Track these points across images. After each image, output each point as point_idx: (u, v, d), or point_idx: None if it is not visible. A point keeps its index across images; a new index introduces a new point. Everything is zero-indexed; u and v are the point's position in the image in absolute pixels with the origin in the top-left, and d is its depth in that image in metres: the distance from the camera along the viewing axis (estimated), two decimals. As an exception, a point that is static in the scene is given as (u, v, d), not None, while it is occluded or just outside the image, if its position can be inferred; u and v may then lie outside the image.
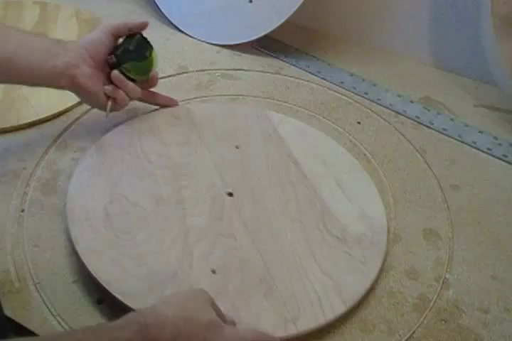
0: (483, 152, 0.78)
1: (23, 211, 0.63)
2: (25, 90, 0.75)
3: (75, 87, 0.65)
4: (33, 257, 0.58)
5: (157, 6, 0.97)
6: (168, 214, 0.62)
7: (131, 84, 0.68)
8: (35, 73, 0.63)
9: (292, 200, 0.65)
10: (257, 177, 0.68)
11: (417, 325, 0.57)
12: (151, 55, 0.70)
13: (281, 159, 0.70)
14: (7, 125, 0.72)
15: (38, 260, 0.58)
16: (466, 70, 0.91)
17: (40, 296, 0.55)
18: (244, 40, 0.91)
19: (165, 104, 0.76)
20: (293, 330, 0.53)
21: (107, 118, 0.69)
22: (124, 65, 0.68)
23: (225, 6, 0.90)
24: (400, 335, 0.56)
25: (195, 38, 0.93)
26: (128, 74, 0.68)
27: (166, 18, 0.96)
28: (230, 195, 0.65)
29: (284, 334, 0.52)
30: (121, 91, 0.68)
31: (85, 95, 0.67)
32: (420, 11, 0.91)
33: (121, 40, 0.69)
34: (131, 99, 0.70)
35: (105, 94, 0.67)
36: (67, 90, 0.66)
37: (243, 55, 0.91)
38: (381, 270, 0.60)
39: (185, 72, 0.86)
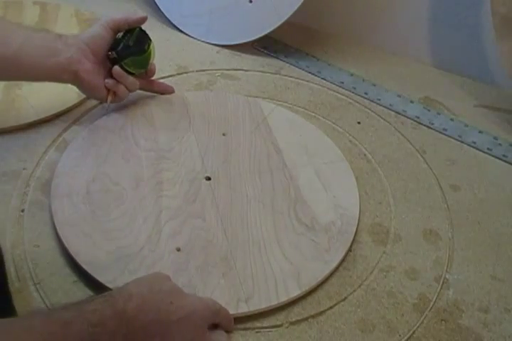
0: (483, 152, 0.78)
1: (23, 211, 0.63)
2: (25, 90, 0.76)
3: (77, 81, 0.68)
4: (33, 257, 0.58)
5: (157, 6, 0.97)
6: (146, 194, 0.64)
7: (131, 78, 0.71)
8: (39, 69, 0.65)
9: (268, 187, 0.67)
10: (237, 163, 0.70)
11: (417, 325, 0.57)
12: (149, 47, 0.73)
13: (264, 147, 0.72)
14: (7, 125, 0.72)
15: (38, 260, 0.58)
16: (466, 70, 0.91)
17: (40, 296, 0.55)
18: (244, 40, 0.91)
19: (162, 91, 0.78)
20: (244, 309, 0.55)
21: (106, 111, 0.73)
22: (125, 61, 0.70)
23: (225, 6, 0.90)
24: (399, 335, 0.56)
25: (195, 38, 0.93)
26: (128, 69, 0.70)
27: (166, 18, 0.96)
28: (208, 179, 0.67)
29: (234, 312, 0.54)
30: (121, 85, 0.70)
31: (87, 89, 0.70)
32: (420, 11, 0.91)
33: (120, 34, 0.71)
34: (131, 91, 0.72)
35: (106, 87, 0.70)
36: (68, 83, 0.68)
37: (243, 55, 0.91)
38: (344, 259, 0.61)
39: (185, 72, 0.86)
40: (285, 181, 0.68)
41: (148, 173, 0.66)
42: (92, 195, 0.63)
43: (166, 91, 0.78)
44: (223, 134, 0.74)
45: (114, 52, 0.69)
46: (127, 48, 0.70)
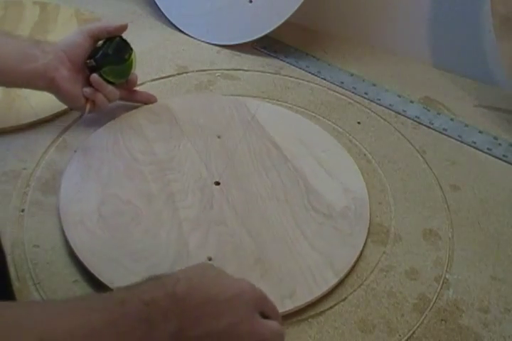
0: (483, 152, 0.78)
1: (23, 211, 0.63)
2: (25, 90, 0.75)
3: (53, 88, 0.66)
4: (33, 257, 0.58)
5: (157, 6, 0.97)
6: (160, 208, 0.63)
7: (110, 87, 0.69)
8: (14, 75, 0.64)
9: (277, 182, 0.68)
10: (241, 164, 0.70)
11: (417, 325, 0.57)
12: (130, 57, 0.70)
13: (262, 144, 0.73)
14: (7, 125, 0.72)
15: (38, 260, 0.58)
16: (466, 70, 0.91)
17: (40, 296, 0.55)
18: (244, 40, 0.91)
19: (145, 101, 0.77)
20: (290, 305, 0.56)
21: (86, 117, 0.71)
22: (103, 69, 0.68)
23: (225, 6, 0.90)
24: (399, 335, 0.56)
25: (195, 38, 0.93)
26: (107, 77, 0.69)
27: (166, 18, 0.96)
28: (217, 184, 0.67)
29: (282, 310, 0.54)
30: (100, 94, 0.69)
31: (64, 97, 0.68)
32: (420, 11, 0.91)
33: (100, 42, 0.69)
34: (110, 101, 0.71)
35: (84, 96, 0.68)
36: (45, 91, 0.67)
37: (243, 55, 0.91)
38: (367, 240, 0.63)
39: (185, 72, 0.86)
40: (291, 174, 0.69)
41: (157, 187, 0.65)
42: (106, 218, 0.61)
43: (148, 100, 0.77)
44: (218, 137, 0.73)
45: (92, 60, 0.68)
46: (106, 56, 0.68)
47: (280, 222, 0.63)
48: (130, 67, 0.71)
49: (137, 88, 0.76)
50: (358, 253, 0.61)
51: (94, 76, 0.68)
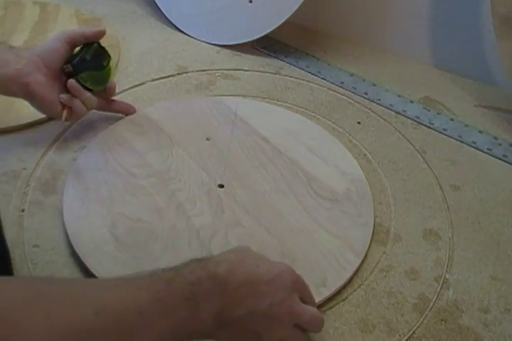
0: (483, 152, 0.78)
1: (23, 211, 0.63)
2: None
3: (28, 95, 0.65)
4: (33, 257, 0.58)
5: (157, 6, 0.97)
6: (173, 220, 0.62)
7: (87, 93, 0.67)
8: None
9: (277, 176, 0.69)
10: (238, 163, 0.70)
11: (417, 325, 0.57)
12: (108, 64, 0.69)
13: (252, 140, 0.73)
14: (7, 125, 0.72)
15: (38, 260, 0.58)
16: (466, 70, 0.91)
17: (40, 296, 0.55)
18: (244, 40, 0.91)
19: (123, 110, 0.75)
20: (326, 292, 0.57)
21: (64, 123, 0.70)
22: (81, 75, 0.66)
23: (225, 6, 0.90)
24: (399, 335, 0.56)
25: (195, 38, 0.93)
26: (85, 83, 0.67)
27: (166, 18, 0.96)
28: (221, 186, 0.67)
29: (320, 298, 0.56)
30: (77, 101, 0.67)
31: (39, 104, 0.66)
32: (420, 11, 0.91)
33: (77, 48, 0.68)
34: (88, 109, 0.69)
35: (61, 103, 0.66)
36: (20, 98, 0.65)
37: (243, 55, 0.91)
38: (375, 220, 0.66)
39: (185, 72, 0.86)
40: (288, 166, 0.70)
41: (163, 199, 0.64)
42: (121, 240, 0.59)
43: (127, 110, 0.74)
44: (207, 139, 0.73)
45: (69, 66, 0.66)
46: (84, 62, 0.66)
47: (292, 213, 0.64)
48: (108, 74, 0.69)
49: (137, 88, 0.76)
50: (370, 231, 0.64)
51: (72, 81, 0.66)
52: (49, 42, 0.66)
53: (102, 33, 0.68)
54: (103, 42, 0.70)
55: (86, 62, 0.67)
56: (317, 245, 0.61)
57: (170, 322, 0.43)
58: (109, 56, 0.70)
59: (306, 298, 0.51)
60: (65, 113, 0.67)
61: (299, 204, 0.65)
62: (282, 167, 0.70)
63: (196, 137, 0.73)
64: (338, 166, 0.70)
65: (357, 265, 0.60)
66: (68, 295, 0.40)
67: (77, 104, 0.67)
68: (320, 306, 0.56)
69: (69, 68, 0.66)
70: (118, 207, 0.63)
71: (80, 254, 0.58)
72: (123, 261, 0.58)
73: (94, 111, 0.72)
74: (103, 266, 0.57)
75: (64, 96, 0.66)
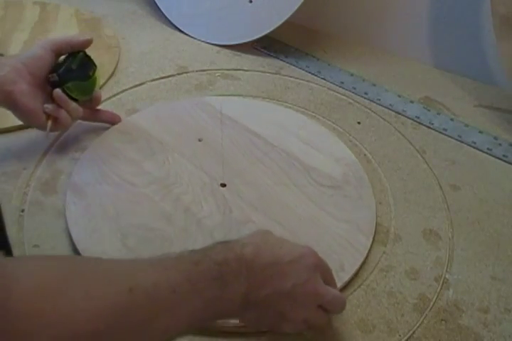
0: (483, 152, 0.78)
1: (23, 211, 0.63)
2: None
3: (10, 103, 0.63)
4: (33, 257, 0.58)
5: (157, 6, 0.97)
6: (184, 225, 0.62)
7: (73, 103, 0.65)
8: None
9: (276, 169, 0.70)
10: (234, 160, 0.70)
11: (417, 325, 0.57)
12: (94, 74, 0.68)
13: (244, 137, 0.74)
14: (7, 125, 0.72)
15: (38, 260, 0.58)
16: (466, 70, 0.91)
17: (40, 296, 0.55)
18: (244, 40, 0.91)
19: (109, 120, 0.73)
20: (345, 277, 0.59)
21: (48, 138, 0.68)
22: (67, 85, 0.65)
23: (225, 6, 0.90)
24: (399, 335, 0.56)
25: (195, 38, 0.93)
26: (71, 94, 0.65)
27: (166, 18, 0.96)
28: (223, 185, 0.67)
29: (341, 283, 0.58)
30: (62, 111, 0.65)
31: (23, 113, 0.64)
32: (420, 11, 0.91)
33: (63, 57, 0.66)
34: (74, 119, 0.67)
35: (45, 113, 0.64)
36: (2, 107, 0.63)
37: (243, 55, 0.91)
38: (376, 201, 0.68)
39: (185, 72, 0.86)
40: (284, 158, 0.71)
41: (169, 205, 0.64)
42: (136, 250, 0.58)
43: (113, 120, 0.73)
44: (199, 140, 0.73)
45: (54, 75, 0.64)
46: (70, 71, 0.65)
47: (298, 204, 0.65)
48: (94, 83, 0.68)
49: (137, 88, 0.76)
50: (374, 212, 0.66)
51: (58, 91, 0.64)
52: (34, 49, 0.64)
53: (88, 42, 0.66)
54: (103, 42, 0.69)
55: (72, 72, 0.65)
56: (328, 232, 0.63)
57: (201, 301, 0.44)
58: (94, 65, 0.68)
59: (328, 280, 0.52)
60: (49, 123, 0.65)
61: (302, 195, 0.66)
62: (278, 160, 0.71)
63: (188, 139, 0.73)
64: (330, 153, 0.72)
65: (368, 245, 0.62)
66: (103, 273, 0.42)
67: (62, 114, 0.65)
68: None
69: (54, 77, 0.64)
70: (126, 219, 0.62)
71: None
72: None
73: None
74: None
75: (49, 106, 0.64)
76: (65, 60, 0.66)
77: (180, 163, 0.69)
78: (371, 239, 0.63)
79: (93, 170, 0.67)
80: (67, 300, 0.38)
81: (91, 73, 0.67)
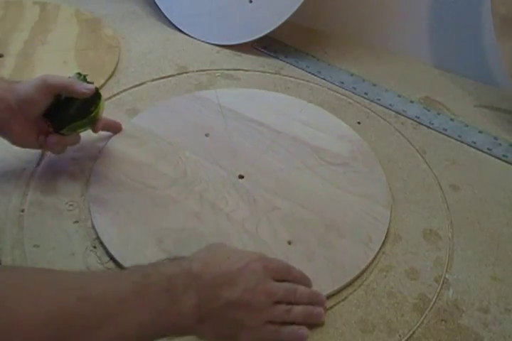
0: (483, 152, 0.78)
1: (23, 211, 0.63)
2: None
3: (4, 136, 0.62)
4: (33, 257, 0.58)
5: (157, 6, 0.97)
6: (214, 220, 0.63)
7: (71, 138, 0.64)
8: None
9: (286, 155, 0.71)
10: (245, 151, 0.71)
11: (417, 325, 0.57)
12: (97, 107, 0.63)
13: (248, 127, 0.75)
14: (7, 125, 0.72)
15: (38, 260, 0.58)
16: (466, 70, 0.91)
17: (40, 296, 0.55)
18: (244, 40, 0.91)
19: (111, 128, 0.71)
20: (376, 247, 0.62)
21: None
22: (66, 129, 0.62)
23: (225, 6, 0.90)
24: (399, 335, 0.56)
25: (195, 38, 0.93)
26: (70, 133, 0.63)
27: (166, 18, 0.96)
28: (241, 177, 0.68)
29: (373, 253, 0.61)
30: (59, 146, 0.64)
31: (15, 143, 0.63)
32: (420, 11, 0.91)
33: (62, 97, 0.62)
34: (71, 146, 0.65)
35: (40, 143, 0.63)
36: None
37: (243, 55, 0.91)
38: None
39: (185, 72, 0.86)
40: (291, 142, 0.73)
41: (195, 203, 0.64)
42: (174, 253, 0.56)
43: (115, 130, 0.71)
44: (206, 135, 0.73)
45: (51, 123, 0.61)
46: (67, 116, 0.61)
47: (315, 185, 0.67)
48: (96, 117, 0.64)
49: (137, 88, 0.76)
50: (385, 183, 0.69)
51: (53, 138, 0.62)
52: (30, 90, 0.60)
53: (88, 93, 0.61)
54: (103, 42, 0.69)
55: (70, 116, 0.62)
56: (350, 208, 0.65)
57: (149, 312, 0.45)
58: (98, 97, 0.63)
59: (289, 278, 0.54)
60: (44, 151, 0.67)
61: (316, 175, 0.69)
62: (286, 145, 0.72)
63: (195, 136, 0.73)
64: (333, 132, 0.75)
65: (387, 215, 0.65)
66: (56, 281, 0.43)
67: (58, 148, 0.64)
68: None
69: (51, 126, 0.62)
70: (156, 223, 0.62)
71: None
72: None
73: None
74: None
75: (43, 141, 0.62)
76: (63, 101, 0.62)
77: (194, 161, 0.69)
78: (389, 209, 0.66)
79: (109, 179, 0.66)
80: (18, 304, 0.39)
81: (92, 109, 0.63)
